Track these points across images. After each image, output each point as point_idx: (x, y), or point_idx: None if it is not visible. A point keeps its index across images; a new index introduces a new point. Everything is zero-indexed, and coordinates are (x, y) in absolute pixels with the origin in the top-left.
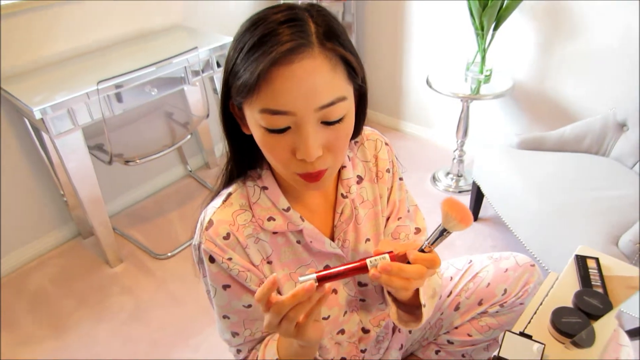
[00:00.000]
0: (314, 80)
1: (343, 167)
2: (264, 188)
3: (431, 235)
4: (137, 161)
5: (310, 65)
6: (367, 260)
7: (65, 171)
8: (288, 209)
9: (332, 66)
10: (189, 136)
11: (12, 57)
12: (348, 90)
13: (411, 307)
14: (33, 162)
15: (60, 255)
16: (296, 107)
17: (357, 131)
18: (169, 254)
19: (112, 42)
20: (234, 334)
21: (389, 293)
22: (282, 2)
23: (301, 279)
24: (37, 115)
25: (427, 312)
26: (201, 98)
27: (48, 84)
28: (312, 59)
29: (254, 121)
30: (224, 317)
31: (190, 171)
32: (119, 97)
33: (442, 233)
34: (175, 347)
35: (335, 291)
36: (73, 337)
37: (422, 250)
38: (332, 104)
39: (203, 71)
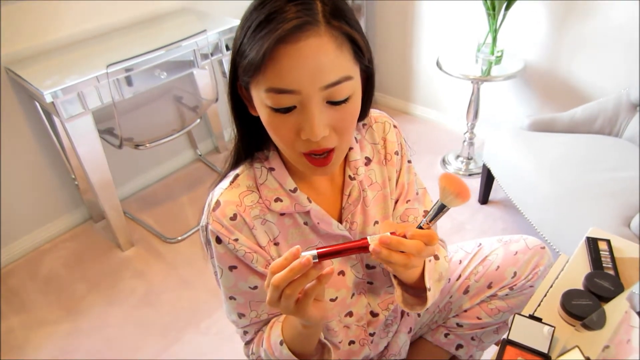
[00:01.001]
0: (319, 58)
1: (350, 148)
2: (271, 169)
3: (429, 212)
4: (147, 145)
5: (316, 44)
6: (368, 238)
7: (76, 155)
8: (295, 190)
9: (338, 45)
10: (198, 120)
11: (22, 40)
12: (354, 71)
13: (417, 291)
14: (44, 146)
15: (72, 239)
16: (301, 85)
17: (364, 113)
18: (180, 238)
19: (121, 26)
20: (240, 315)
21: (394, 276)
22: None
23: (303, 254)
24: (48, 99)
25: (432, 296)
26: (210, 81)
27: (58, 68)
28: (318, 37)
29: (260, 101)
30: (231, 298)
31: (200, 155)
32: (128, 81)
33: (441, 209)
34: (186, 330)
35: (342, 273)
36: (85, 320)
37: (420, 227)
38: (337, 83)
39: (212, 54)
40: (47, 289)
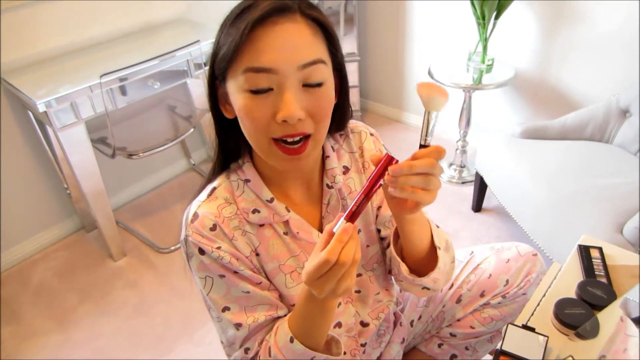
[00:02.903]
0: (296, 39)
1: (327, 157)
2: (247, 181)
3: (423, 128)
4: (141, 154)
5: (292, 27)
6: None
7: (68, 164)
8: (272, 200)
9: (313, 32)
10: (192, 129)
11: (16, 50)
12: (328, 60)
13: (422, 265)
14: (37, 155)
15: (64, 249)
16: (278, 64)
17: (343, 119)
18: (173, 248)
19: (115, 36)
20: (238, 326)
21: (396, 250)
22: None
23: (335, 229)
24: (41, 108)
25: (443, 265)
26: (204, 91)
27: (51, 78)
28: (295, 22)
29: (236, 88)
30: (224, 309)
31: (194, 164)
32: (122, 91)
33: (429, 117)
34: (179, 341)
35: None
36: (76, 331)
37: (423, 147)
38: (313, 63)
39: (205, 64)
40: (38, 299)
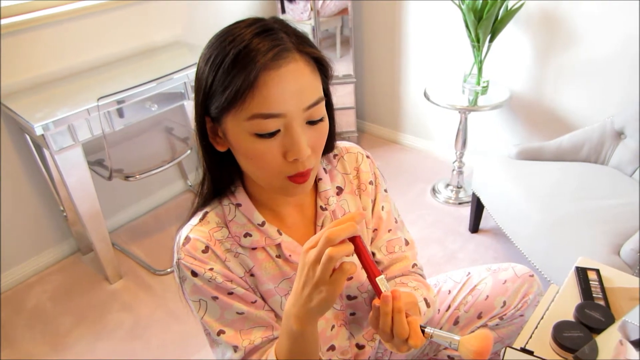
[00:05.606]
0: (300, 81)
1: (319, 179)
2: (238, 205)
3: (441, 333)
4: (137, 176)
5: (294, 68)
6: (378, 279)
7: (65, 187)
8: (263, 224)
9: (312, 69)
10: (189, 151)
11: (14, 73)
12: (322, 92)
13: None
14: (33, 177)
15: (60, 272)
16: (287, 108)
17: (331, 142)
18: (169, 270)
19: (113, 59)
20: (235, 348)
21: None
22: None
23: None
24: (38, 132)
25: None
26: None
27: (49, 101)
28: (295, 62)
29: (240, 131)
30: (220, 332)
31: (190, 186)
32: (119, 113)
33: (450, 345)
34: None
35: None
36: (71, 355)
37: (422, 327)
38: (316, 103)
39: None
40: (34, 322)
